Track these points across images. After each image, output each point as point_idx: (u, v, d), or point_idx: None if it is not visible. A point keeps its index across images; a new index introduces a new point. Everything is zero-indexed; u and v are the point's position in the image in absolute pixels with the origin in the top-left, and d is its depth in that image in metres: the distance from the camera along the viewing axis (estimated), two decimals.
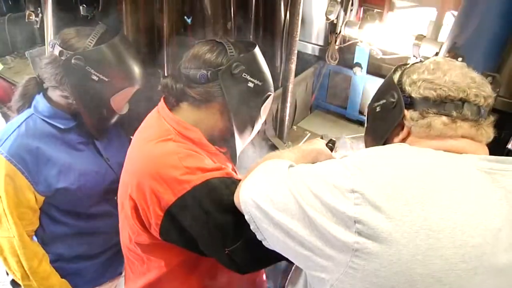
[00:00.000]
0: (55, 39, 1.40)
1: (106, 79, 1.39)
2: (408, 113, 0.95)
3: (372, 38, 2.29)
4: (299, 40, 2.16)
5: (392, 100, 1.00)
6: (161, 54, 1.85)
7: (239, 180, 1.09)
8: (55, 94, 1.45)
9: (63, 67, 1.36)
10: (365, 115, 1.17)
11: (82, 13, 1.67)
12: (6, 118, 2.83)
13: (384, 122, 1.04)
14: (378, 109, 1.07)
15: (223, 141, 1.32)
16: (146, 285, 1.35)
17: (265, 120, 1.36)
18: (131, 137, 1.42)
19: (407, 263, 0.76)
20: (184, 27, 1.81)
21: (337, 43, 2.51)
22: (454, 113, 0.90)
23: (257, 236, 0.98)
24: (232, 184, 1.12)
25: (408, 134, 0.97)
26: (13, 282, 1.58)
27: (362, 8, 2.39)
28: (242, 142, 1.32)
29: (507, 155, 1.55)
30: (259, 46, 1.30)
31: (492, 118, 0.94)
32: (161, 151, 1.17)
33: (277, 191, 0.91)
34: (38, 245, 1.54)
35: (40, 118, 1.45)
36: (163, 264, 1.28)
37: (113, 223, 1.52)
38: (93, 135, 1.53)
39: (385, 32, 2.23)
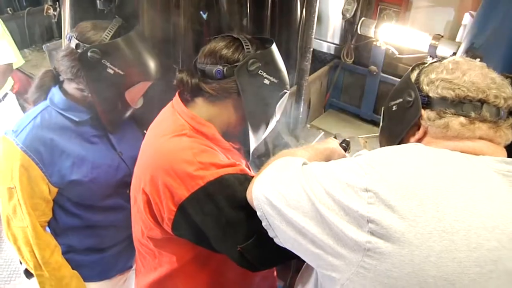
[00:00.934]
0: (72, 32, 1.41)
1: (122, 73, 1.39)
2: (425, 113, 0.94)
3: (389, 37, 2.28)
4: (315, 38, 2.15)
5: (409, 99, 0.98)
6: (176, 49, 1.86)
7: (253, 177, 1.08)
8: (71, 87, 1.46)
9: (79, 59, 1.36)
10: (379, 115, 1.15)
11: (99, 7, 1.68)
12: (24, 110, 2.88)
13: (400, 121, 1.02)
14: (394, 108, 1.06)
15: (237, 138, 1.32)
16: (156, 280, 1.35)
17: (279, 118, 1.36)
18: (145, 131, 1.42)
19: (419, 264, 0.75)
20: (199, 22, 1.81)
21: (353, 41, 2.50)
22: (473, 114, 0.88)
23: (269, 233, 0.98)
24: (245, 180, 1.11)
25: (425, 134, 0.96)
26: (26, 271, 1.60)
27: (379, 7, 2.37)
28: (256, 139, 1.31)
29: None
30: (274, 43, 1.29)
31: (511, 120, 0.92)
32: (175, 146, 1.17)
33: (290, 188, 0.91)
34: (51, 236, 1.56)
35: (55, 110, 1.46)
36: (174, 259, 1.28)
37: (125, 216, 1.53)
38: (107, 128, 1.54)
39: (402, 32, 2.21)
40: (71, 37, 1.39)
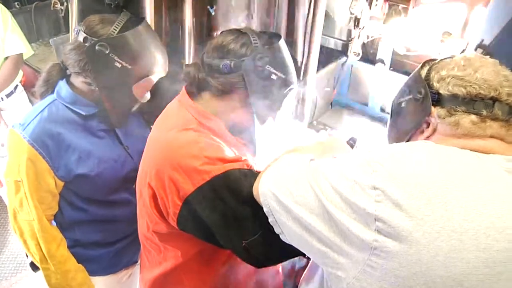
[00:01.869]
0: (80, 25, 1.41)
1: (129, 67, 1.39)
2: (435, 110, 0.93)
3: (397, 34, 2.26)
4: (322, 34, 2.14)
5: (419, 96, 0.97)
6: (184, 44, 1.85)
7: (259, 172, 1.08)
8: (78, 81, 1.46)
9: (86, 53, 1.36)
10: (386, 113, 1.14)
11: (106, 1, 1.68)
12: (32, 103, 2.89)
13: (409, 118, 1.01)
14: (403, 104, 1.05)
15: (243, 132, 1.31)
16: (161, 274, 1.35)
17: (286, 114, 1.35)
18: (151, 126, 1.42)
19: (427, 264, 0.74)
20: (207, 17, 1.81)
21: (360, 38, 2.48)
22: (484, 112, 0.87)
23: (275, 230, 0.97)
24: (252, 175, 1.11)
25: (434, 131, 0.95)
26: (32, 264, 1.61)
27: (387, 3, 2.35)
28: (262, 134, 1.31)
29: None
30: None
31: None
32: (182, 141, 1.17)
33: (297, 185, 0.90)
34: (57, 229, 1.56)
35: (62, 104, 1.46)
36: (179, 254, 1.29)
37: (131, 211, 1.53)
38: (113, 122, 1.54)
39: (410, 28, 2.20)
40: (79, 30, 1.39)
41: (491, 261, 0.74)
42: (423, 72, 1.01)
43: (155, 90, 1.55)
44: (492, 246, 0.74)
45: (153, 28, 1.64)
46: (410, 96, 1.01)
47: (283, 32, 2.10)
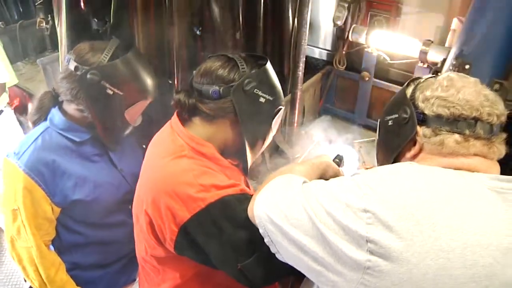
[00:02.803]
0: (70, 54, 1.43)
1: (121, 93, 1.41)
2: (420, 130, 0.96)
3: (380, 43, 2.31)
4: (307, 44, 2.18)
5: (405, 116, 1.00)
6: (171, 65, 1.87)
7: (252, 195, 1.11)
8: (71, 108, 1.48)
9: (78, 82, 1.38)
10: (373, 120, 1.17)
11: (94, 27, 1.70)
12: (22, 125, 2.87)
13: (396, 137, 1.05)
14: (390, 123, 1.08)
15: (235, 154, 1.33)
16: None
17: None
18: (144, 146, 1.43)
19: (417, 282, 0.78)
20: (194, 38, 1.83)
21: (344, 48, 2.53)
22: (467, 132, 0.91)
23: (271, 249, 1.00)
24: (245, 200, 1.13)
25: (420, 150, 0.98)
26: None
27: (369, 14, 2.40)
28: (253, 155, 1.33)
29: None
30: (267, 54, 1.30)
31: (504, 135, 0.95)
32: (176, 169, 1.19)
33: (291, 208, 0.93)
34: (55, 254, 1.57)
35: (55, 131, 1.48)
36: (178, 275, 1.31)
37: (127, 232, 1.55)
38: (107, 146, 1.56)
39: (393, 38, 2.25)
40: (70, 59, 1.41)
41: (477, 276, 0.78)
42: (408, 92, 1.04)
43: (146, 112, 1.57)
44: (477, 262, 0.78)
45: (140, 51, 1.66)
46: (397, 115, 1.04)
47: (268, 47, 2.13)
